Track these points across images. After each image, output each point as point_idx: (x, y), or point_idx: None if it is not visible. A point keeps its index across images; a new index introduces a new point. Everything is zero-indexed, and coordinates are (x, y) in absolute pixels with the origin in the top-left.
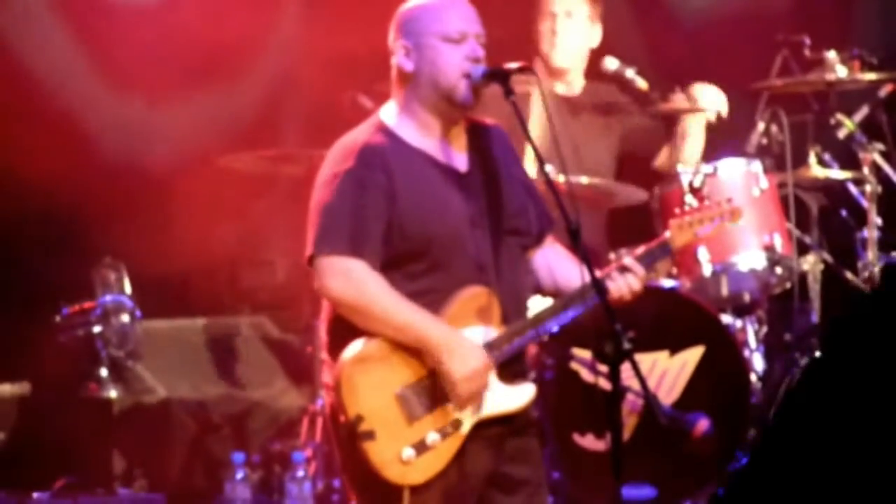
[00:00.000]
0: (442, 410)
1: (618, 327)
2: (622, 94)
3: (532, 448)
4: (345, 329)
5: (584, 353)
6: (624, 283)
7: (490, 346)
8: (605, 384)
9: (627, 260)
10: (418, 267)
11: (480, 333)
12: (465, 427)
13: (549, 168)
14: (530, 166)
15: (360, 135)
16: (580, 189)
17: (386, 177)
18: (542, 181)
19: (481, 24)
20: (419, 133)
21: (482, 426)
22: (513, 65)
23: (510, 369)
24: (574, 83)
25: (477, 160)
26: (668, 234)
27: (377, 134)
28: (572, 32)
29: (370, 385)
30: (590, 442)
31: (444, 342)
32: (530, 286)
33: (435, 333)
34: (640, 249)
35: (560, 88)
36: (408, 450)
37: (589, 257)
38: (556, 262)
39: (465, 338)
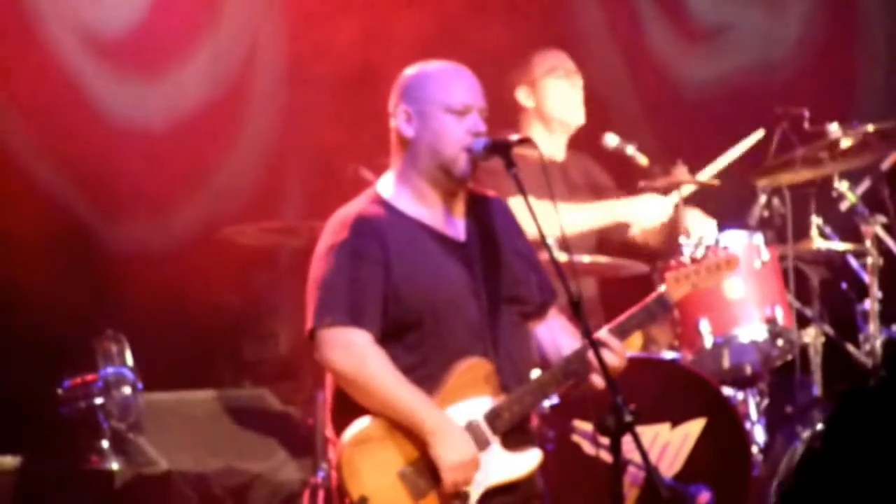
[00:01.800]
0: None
1: (619, 399)
2: (609, 177)
3: None
4: (348, 406)
5: (586, 426)
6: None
7: (491, 416)
8: (606, 456)
9: (602, 333)
10: (415, 337)
11: (480, 404)
12: (473, 499)
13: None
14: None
15: (354, 206)
16: (584, 266)
17: (380, 247)
18: (544, 254)
19: (485, 98)
20: (416, 202)
21: (489, 496)
22: (513, 136)
23: (514, 436)
24: (560, 147)
25: (476, 230)
26: (663, 287)
27: (372, 205)
28: (580, 88)
29: (372, 466)
30: None
31: (435, 429)
32: (532, 354)
33: (428, 419)
34: (636, 308)
35: (551, 152)
36: None
37: (590, 329)
38: (560, 335)
39: (457, 427)
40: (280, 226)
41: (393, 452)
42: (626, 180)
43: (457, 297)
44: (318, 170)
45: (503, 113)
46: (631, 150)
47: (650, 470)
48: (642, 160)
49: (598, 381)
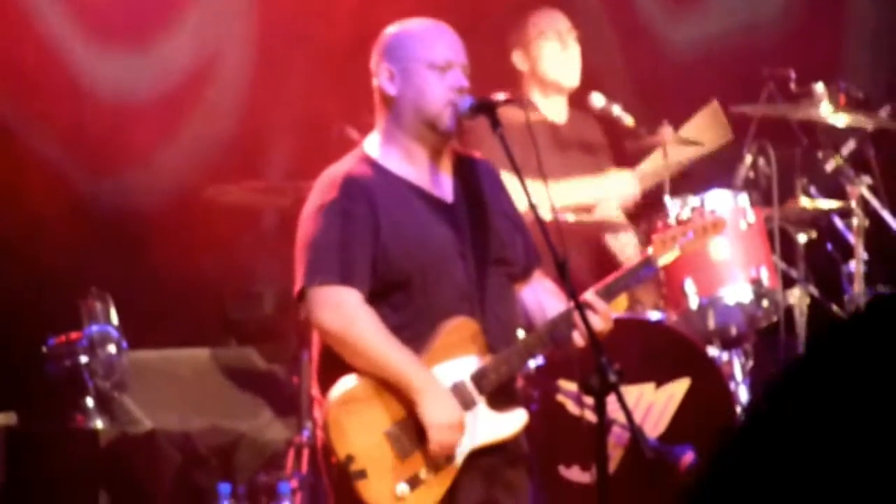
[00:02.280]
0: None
1: (604, 360)
2: (601, 133)
3: (522, 483)
4: (334, 364)
5: (570, 386)
6: (582, 321)
7: (477, 376)
8: (590, 416)
9: (589, 294)
10: (403, 297)
11: (466, 364)
12: (459, 459)
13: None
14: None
15: (343, 166)
16: (568, 225)
17: (369, 207)
18: (530, 216)
19: (466, 55)
20: (403, 162)
21: (475, 456)
22: (500, 96)
23: (501, 397)
24: (561, 109)
25: (463, 191)
26: (650, 249)
27: (360, 164)
28: (576, 50)
29: (358, 425)
30: (575, 474)
31: (423, 389)
32: (518, 316)
33: (416, 379)
34: (622, 270)
35: (550, 114)
36: (402, 486)
37: (576, 291)
38: (545, 298)
39: (444, 388)
40: (265, 185)
41: (379, 412)
42: (613, 140)
43: (444, 257)
44: (304, 129)
45: (504, 77)
46: (617, 110)
47: (634, 430)
48: (628, 120)
49: (579, 340)
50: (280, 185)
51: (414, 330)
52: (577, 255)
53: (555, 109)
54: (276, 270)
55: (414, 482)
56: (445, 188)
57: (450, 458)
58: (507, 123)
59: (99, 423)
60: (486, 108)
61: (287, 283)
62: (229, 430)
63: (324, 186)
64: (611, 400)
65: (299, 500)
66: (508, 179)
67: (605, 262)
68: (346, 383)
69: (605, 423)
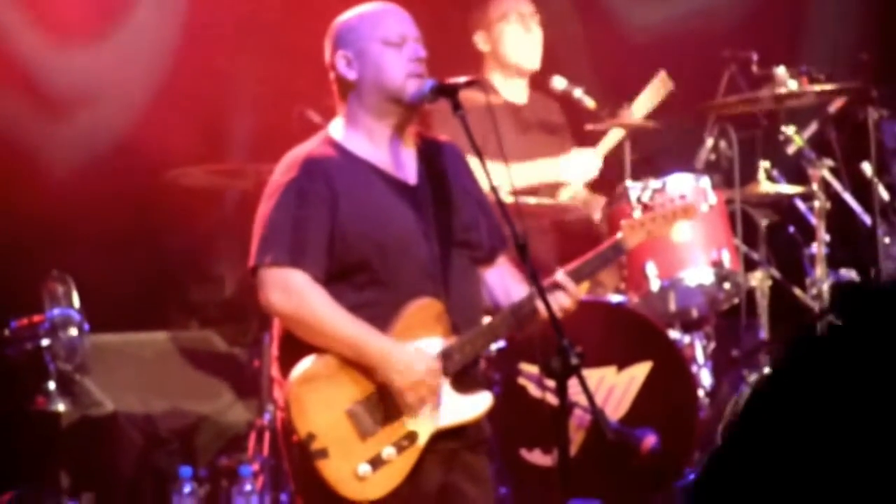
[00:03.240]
0: (395, 424)
1: (566, 342)
2: (561, 115)
3: (483, 467)
4: (295, 346)
5: (532, 369)
6: (554, 300)
7: (441, 357)
8: (552, 399)
9: (560, 276)
10: (364, 278)
11: (430, 344)
12: (422, 439)
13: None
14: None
15: (305, 147)
16: (529, 207)
17: (328, 187)
18: (491, 197)
19: (418, 28)
20: (367, 144)
21: (437, 440)
22: (461, 79)
23: (465, 379)
24: (521, 91)
25: (427, 173)
26: (619, 234)
27: (323, 146)
28: (538, 32)
29: (319, 403)
30: (537, 457)
31: (384, 354)
32: (482, 298)
33: (374, 346)
34: (591, 253)
35: (511, 96)
36: (363, 465)
37: (537, 272)
38: (509, 281)
39: (406, 346)
40: (226, 168)
41: (341, 390)
42: (574, 123)
43: (405, 238)
44: (265, 112)
45: (466, 58)
46: (578, 92)
47: (596, 413)
48: (590, 103)
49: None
50: (241, 168)
51: (376, 310)
52: (539, 236)
53: (515, 91)
54: (238, 253)
55: (376, 462)
56: (409, 170)
57: (412, 437)
58: (468, 106)
59: (60, 406)
60: (447, 91)
61: (248, 267)
62: (190, 412)
63: (284, 166)
64: (572, 383)
65: (260, 482)
66: (470, 161)
67: (565, 243)
68: (307, 362)
69: (566, 406)
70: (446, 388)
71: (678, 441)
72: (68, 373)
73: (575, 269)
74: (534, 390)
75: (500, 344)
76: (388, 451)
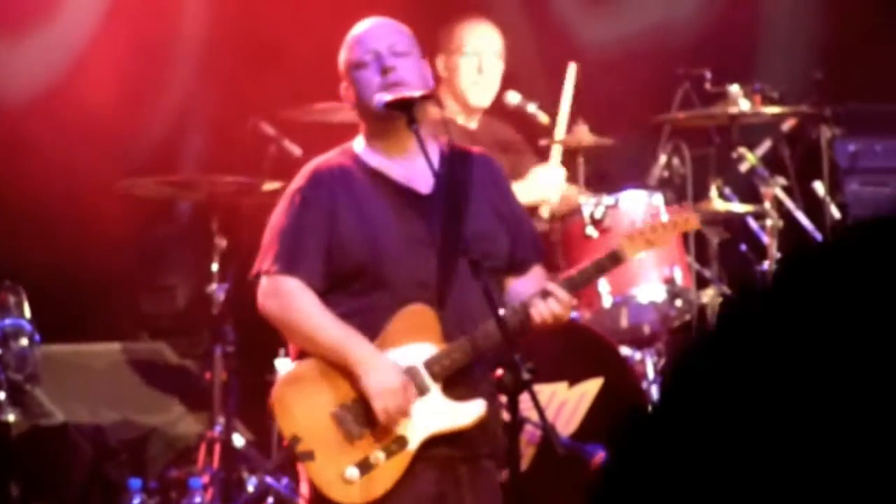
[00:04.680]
0: (384, 428)
1: (517, 357)
2: (515, 132)
3: (487, 481)
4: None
5: None
6: (546, 308)
7: (430, 362)
8: (503, 415)
9: (550, 285)
10: (359, 285)
11: (420, 350)
12: (412, 445)
13: None
14: None
15: (323, 157)
16: None
17: (330, 195)
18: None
19: (400, 34)
20: (382, 157)
21: (431, 446)
22: (416, 93)
23: (459, 386)
24: (474, 118)
25: (447, 183)
26: (618, 244)
27: (340, 156)
28: (495, 71)
29: (304, 405)
30: None
31: (362, 360)
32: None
33: (355, 352)
34: (586, 262)
35: (461, 120)
36: (351, 469)
37: (490, 289)
38: (528, 290)
39: (385, 358)
40: (178, 179)
41: (327, 393)
42: (528, 139)
43: (403, 245)
44: (218, 124)
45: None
46: (532, 108)
47: (547, 428)
48: (543, 118)
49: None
50: (193, 179)
51: (368, 317)
52: None
53: (465, 119)
54: (189, 264)
55: (364, 466)
56: (423, 180)
57: (401, 441)
58: (423, 120)
59: (11, 416)
60: (401, 105)
61: (200, 278)
62: (141, 424)
63: (299, 176)
64: (524, 398)
65: (210, 495)
66: None
67: None
68: (294, 364)
69: (517, 421)
70: (438, 393)
71: None
72: (19, 383)
73: (569, 277)
74: None
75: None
76: (377, 455)
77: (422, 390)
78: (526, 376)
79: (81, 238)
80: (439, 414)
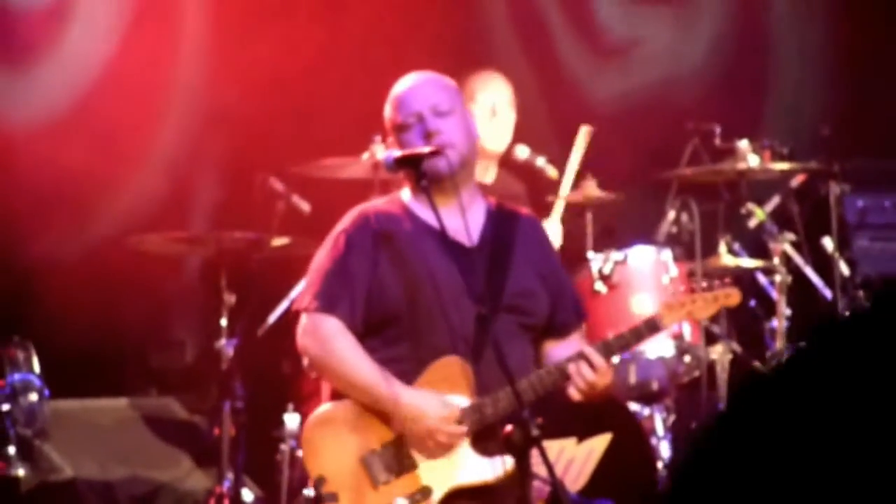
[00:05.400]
0: (410, 477)
1: (526, 414)
2: (523, 186)
3: None
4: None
5: None
6: (578, 371)
7: (461, 414)
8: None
9: (586, 348)
10: (395, 332)
11: (450, 402)
12: (437, 495)
13: None
14: None
15: (372, 202)
16: None
17: (374, 240)
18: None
19: (442, 92)
20: (427, 208)
21: (455, 498)
22: (425, 149)
23: (485, 440)
24: (490, 170)
25: (491, 239)
26: (657, 312)
27: (389, 203)
28: (508, 117)
29: (333, 447)
30: None
31: (395, 400)
32: (527, 366)
33: (386, 392)
34: (626, 329)
35: (477, 175)
36: None
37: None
38: (564, 355)
39: (420, 392)
40: (186, 235)
41: (358, 437)
42: (537, 194)
43: (445, 298)
44: (228, 180)
45: None
46: (541, 161)
47: (556, 484)
48: (552, 172)
49: (575, 395)
50: (203, 235)
51: (403, 366)
52: None
53: (482, 171)
54: (198, 320)
55: None
56: (470, 235)
57: (426, 492)
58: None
59: (20, 471)
60: (410, 162)
61: (209, 334)
62: (149, 479)
63: (346, 217)
64: (532, 454)
65: None
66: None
67: None
68: (327, 406)
69: (527, 478)
70: (466, 447)
71: None
72: (28, 438)
73: (605, 342)
74: None
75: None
76: (400, 503)
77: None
78: (535, 432)
79: (91, 293)
80: (465, 467)
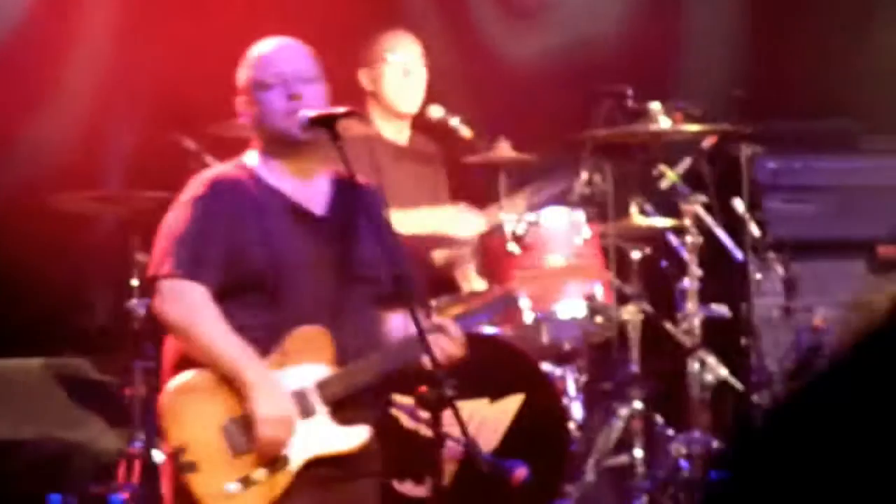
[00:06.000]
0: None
1: (440, 374)
2: (436, 147)
3: (364, 496)
4: (183, 363)
5: (406, 400)
6: (436, 343)
7: (321, 385)
8: (425, 430)
9: (443, 321)
10: (255, 298)
11: (312, 371)
12: (294, 465)
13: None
14: None
15: (218, 168)
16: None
17: (232, 206)
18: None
19: (308, 60)
20: (276, 175)
21: (312, 466)
22: (339, 109)
23: (346, 410)
24: (402, 131)
25: (337, 208)
26: (512, 285)
27: (236, 169)
28: (420, 76)
29: (195, 416)
30: (409, 488)
31: (255, 384)
32: (377, 335)
33: (249, 373)
34: (480, 300)
35: (390, 135)
36: (232, 484)
37: (416, 309)
38: (404, 326)
39: (278, 384)
40: (100, 194)
41: (218, 406)
42: (451, 153)
43: (302, 266)
44: (141, 139)
45: (353, 91)
46: (455, 122)
47: (469, 444)
48: (466, 132)
49: (430, 365)
50: (116, 194)
51: (263, 332)
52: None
53: (396, 131)
54: (111, 281)
55: (246, 482)
56: (317, 202)
57: (283, 461)
58: (347, 136)
59: None
60: (324, 121)
61: (121, 295)
62: (61, 439)
63: (195, 183)
64: (446, 414)
65: None
66: None
67: (433, 278)
68: (187, 374)
69: (440, 438)
70: (324, 417)
71: (549, 473)
72: None
73: (462, 313)
74: (406, 421)
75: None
76: (259, 473)
77: (309, 412)
78: (449, 392)
79: (2, 253)
80: (324, 437)
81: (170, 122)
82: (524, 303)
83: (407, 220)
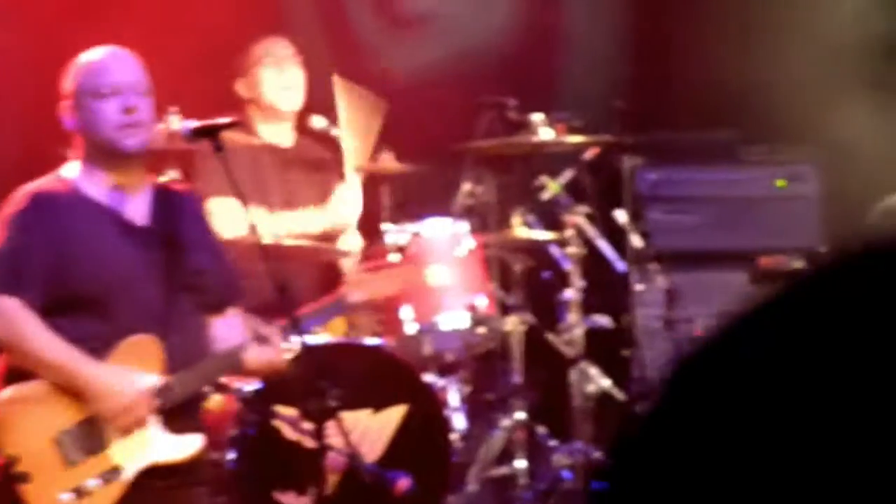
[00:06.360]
0: (102, 456)
1: (323, 384)
2: (326, 151)
3: (196, 501)
4: (15, 377)
5: (288, 411)
6: (256, 354)
7: (151, 393)
8: (307, 441)
9: (267, 329)
10: (83, 312)
11: (142, 381)
12: (127, 474)
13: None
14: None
15: (37, 183)
16: (288, 249)
17: (52, 221)
18: (251, 239)
19: (141, 72)
20: (96, 186)
21: (147, 476)
22: (223, 120)
23: (177, 419)
24: (286, 134)
25: (159, 218)
26: (343, 290)
27: (55, 183)
28: (297, 74)
29: (26, 426)
30: (291, 499)
31: (91, 380)
32: (205, 343)
33: (84, 372)
34: (313, 306)
35: (275, 139)
36: (66, 494)
37: (295, 314)
38: (235, 335)
39: (116, 371)
40: None
41: (50, 415)
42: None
43: (129, 277)
44: (22, 149)
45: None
46: (337, 132)
47: (352, 455)
48: None
49: (253, 373)
50: None
51: (92, 344)
52: (299, 277)
53: (279, 134)
54: None
55: (80, 493)
56: (139, 212)
57: (116, 471)
58: (230, 146)
59: None
60: (208, 132)
61: None
62: None
63: (14, 200)
64: (329, 425)
65: None
66: (229, 203)
67: (327, 282)
68: (21, 385)
69: (323, 448)
70: (156, 426)
71: (431, 483)
72: None
73: (292, 321)
74: (289, 432)
75: (257, 385)
76: (93, 483)
77: None
78: (332, 403)
79: None
80: (157, 446)
81: (52, 132)
82: (406, 313)
83: (288, 222)
